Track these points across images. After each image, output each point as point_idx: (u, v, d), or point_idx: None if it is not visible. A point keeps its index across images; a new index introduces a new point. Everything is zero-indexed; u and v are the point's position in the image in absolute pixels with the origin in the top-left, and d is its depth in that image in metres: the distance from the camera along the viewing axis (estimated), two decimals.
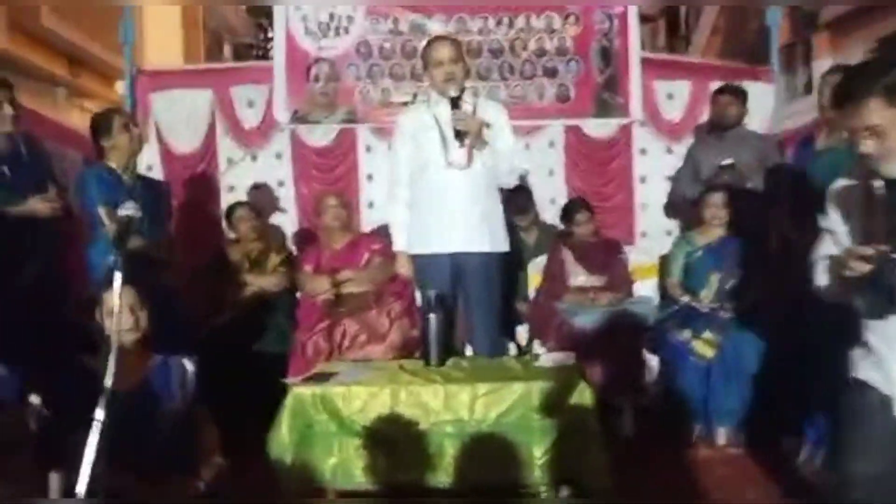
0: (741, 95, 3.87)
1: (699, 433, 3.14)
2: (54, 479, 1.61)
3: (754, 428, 3.06)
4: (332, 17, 4.34)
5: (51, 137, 3.86)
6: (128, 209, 1.92)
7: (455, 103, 2.83)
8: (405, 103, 3.13)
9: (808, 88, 8.06)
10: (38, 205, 2.96)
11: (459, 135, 2.85)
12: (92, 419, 1.63)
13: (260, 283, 3.82)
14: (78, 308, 2.60)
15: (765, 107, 4.35)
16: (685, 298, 3.42)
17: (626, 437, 3.22)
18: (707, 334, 3.17)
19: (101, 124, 3.12)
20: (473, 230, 2.96)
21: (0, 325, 2.60)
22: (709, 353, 3.14)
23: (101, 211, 2.94)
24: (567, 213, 3.88)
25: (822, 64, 7.40)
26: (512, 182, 3.09)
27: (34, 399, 1.82)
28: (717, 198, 3.44)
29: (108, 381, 1.72)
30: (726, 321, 3.21)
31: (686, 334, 3.20)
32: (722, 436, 3.09)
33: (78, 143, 4.08)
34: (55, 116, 5.75)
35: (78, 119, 6.57)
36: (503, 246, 3.03)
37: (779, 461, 2.81)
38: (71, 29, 6.24)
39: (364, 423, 2.41)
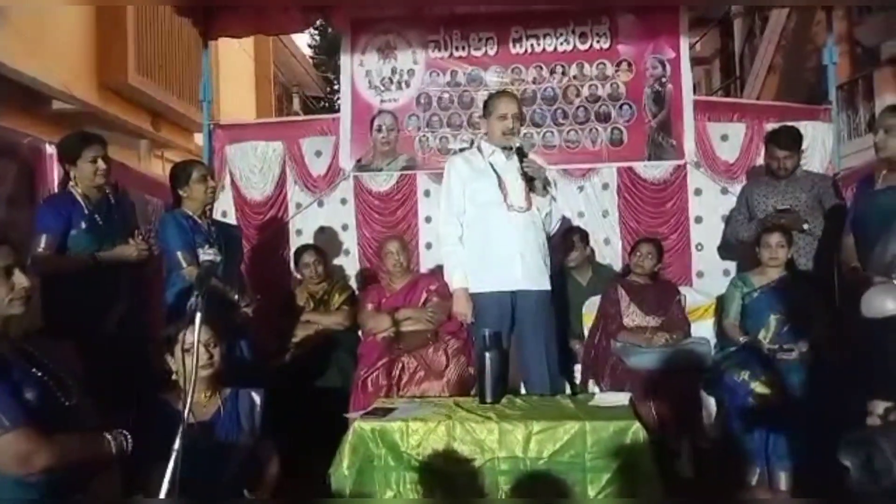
0: (795, 142, 3.71)
1: (760, 477, 3.08)
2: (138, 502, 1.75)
3: (818, 472, 2.98)
4: (394, 71, 4.59)
5: (134, 186, 4.14)
6: (209, 254, 2.07)
7: (521, 152, 3.02)
8: (462, 150, 3.29)
9: (870, 126, 7.87)
10: (127, 250, 3.03)
11: (531, 180, 3.02)
12: (170, 449, 1.77)
13: (323, 321, 3.95)
14: (156, 346, 2.72)
15: (824, 146, 4.31)
16: (743, 339, 3.39)
17: (685, 478, 3.18)
18: (766, 376, 3.11)
19: (179, 175, 3.27)
20: (533, 269, 3.08)
21: (89, 361, 2.74)
22: (768, 394, 3.09)
23: (179, 255, 3.09)
24: (634, 247, 3.92)
25: (885, 101, 7.23)
26: (554, 228, 3.23)
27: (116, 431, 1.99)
28: (774, 239, 3.42)
29: (186, 414, 1.86)
30: (786, 363, 3.16)
31: (744, 375, 3.15)
32: (783, 480, 3.03)
33: (158, 192, 4.37)
34: (138, 167, 6.17)
35: (159, 169, 6.99)
36: (549, 285, 3.16)
37: None
38: (154, 87, 6.71)
39: (421, 457, 2.47)
